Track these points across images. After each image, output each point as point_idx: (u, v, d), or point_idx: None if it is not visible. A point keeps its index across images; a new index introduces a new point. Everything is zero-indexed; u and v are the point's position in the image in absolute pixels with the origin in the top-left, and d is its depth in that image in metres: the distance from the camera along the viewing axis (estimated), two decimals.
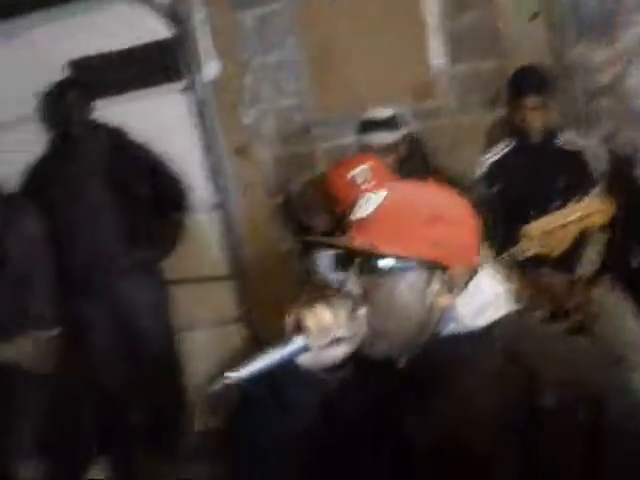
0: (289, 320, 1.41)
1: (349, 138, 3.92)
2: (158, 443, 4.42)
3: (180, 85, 4.41)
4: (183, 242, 4.33)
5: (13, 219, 2.56)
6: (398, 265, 1.39)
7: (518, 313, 1.46)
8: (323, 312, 1.39)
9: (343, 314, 1.39)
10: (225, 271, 4.57)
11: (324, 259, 2.76)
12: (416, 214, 1.40)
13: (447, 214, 1.42)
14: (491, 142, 3.88)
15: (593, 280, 3.63)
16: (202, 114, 4.41)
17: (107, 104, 4.35)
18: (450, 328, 1.42)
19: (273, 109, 4.46)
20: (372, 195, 1.46)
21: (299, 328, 1.39)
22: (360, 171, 2.80)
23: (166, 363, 4.38)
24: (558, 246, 2.55)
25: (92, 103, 4.24)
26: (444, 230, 1.40)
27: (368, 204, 1.44)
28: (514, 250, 2.57)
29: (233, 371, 1.36)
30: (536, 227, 2.58)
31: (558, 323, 3.72)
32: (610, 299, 3.62)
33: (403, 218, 1.40)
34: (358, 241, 1.40)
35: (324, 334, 1.38)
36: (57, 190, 4.16)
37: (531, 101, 3.56)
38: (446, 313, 1.42)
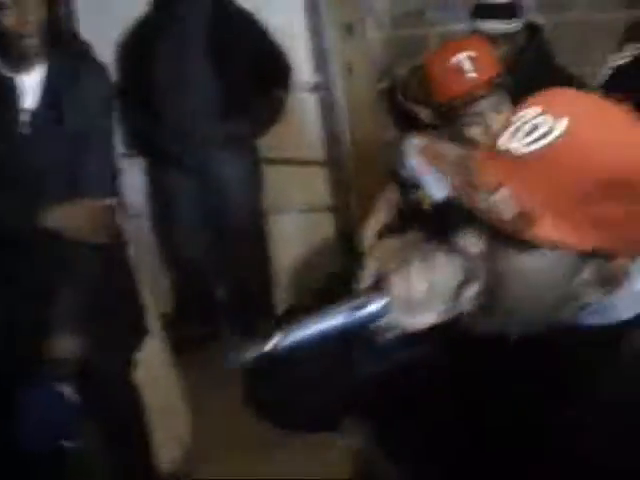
0: (368, 271, 1.06)
1: (466, 24, 3.58)
2: (241, 322, 4.38)
3: None
4: (281, 121, 4.12)
5: (77, 74, 2.40)
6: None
7: None
8: (418, 280, 1.01)
9: (446, 285, 1.02)
10: (322, 156, 4.35)
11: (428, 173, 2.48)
12: (594, 171, 0.94)
13: (632, 182, 0.95)
14: (625, 45, 3.48)
15: None
16: None
17: None
18: (591, 320, 1.05)
19: None
20: (544, 118, 0.97)
21: (379, 287, 1.03)
22: (466, 57, 2.47)
23: (253, 242, 4.27)
24: None
25: None
26: (622, 206, 0.95)
27: (533, 132, 0.97)
28: None
29: (283, 332, 1.02)
30: None
31: None
32: None
33: (577, 174, 0.94)
34: (503, 198, 0.95)
35: (413, 306, 1.02)
36: (155, 52, 4.01)
37: None
38: (592, 307, 1.04)
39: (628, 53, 3.35)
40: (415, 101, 3.12)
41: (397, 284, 1.02)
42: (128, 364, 2.73)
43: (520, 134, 0.98)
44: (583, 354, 1.05)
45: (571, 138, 0.95)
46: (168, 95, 4.02)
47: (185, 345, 3.98)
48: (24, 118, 2.38)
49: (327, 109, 4.29)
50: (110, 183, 2.56)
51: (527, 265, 1.00)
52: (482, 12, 3.23)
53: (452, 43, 2.60)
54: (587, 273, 1.01)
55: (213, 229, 4.29)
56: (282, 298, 4.38)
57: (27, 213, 2.38)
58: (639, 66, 3.30)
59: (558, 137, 0.95)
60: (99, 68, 2.58)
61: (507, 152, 0.98)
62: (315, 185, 4.32)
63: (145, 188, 4.37)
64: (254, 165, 4.19)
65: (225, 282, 4.42)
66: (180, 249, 4.35)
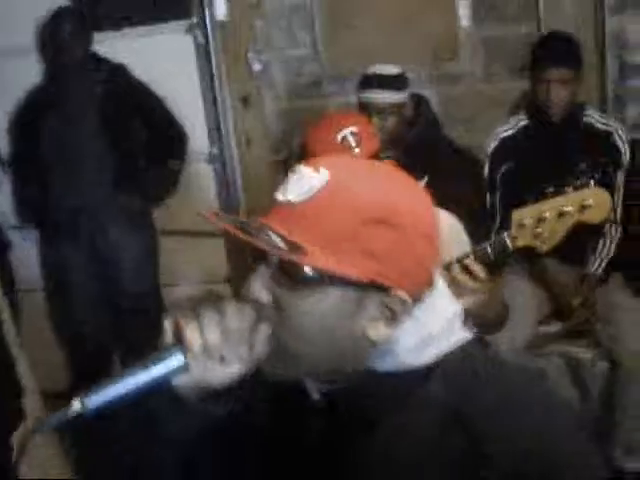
0: (167, 326, 1.10)
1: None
2: None
3: (186, 24, 4.10)
4: (177, 192, 4.08)
5: None
6: (325, 277, 1.05)
7: (470, 344, 1.14)
8: (211, 324, 1.06)
9: (240, 328, 1.06)
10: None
11: None
12: (357, 211, 1.06)
13: (396, 216, 1.07)
14: (514, 115, 3.56)
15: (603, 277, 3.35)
16: (207, 57, 4.10)
17: (107, 38, 4.08)
18: (385, 364, 1.11)
19: (283, 58, 4.15)
20: (309, 173, 1.09)
21: (179, 339, 1.07)
22: (349, 132, 2.47)
23: (149, 315, 4.17)
24: (550, 239, 2.21)
25: (91, 35, 3.98)
26: (389, 238, 1.06)
27: (301, 185, 1.09)
28: (498, 239, 2.23)
29: (85, 396, 1.03)
30: (529, 213, 2.23)
31: (561, 322, 3.46)
32: (621, 298, 3.33)
33: (342, 214, 1.06)
34: (278, 240, 1.05)
35: (210, 353, 1.07)
36: (48, 124, 3.95)
37: (557, 73, 3.23)
38: (381, 346, 1.10)
39: (514, 123, 3.43)
40: None
41: (191, 329, 1.06)
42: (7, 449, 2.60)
43: (290, 185, 1.10)
44: (376, 400, 1.12)
45: (333, 186, 1.08)
46: (59, 166, 3.95)
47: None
48: None
49: (223, 180, 4.25)
50: None
51: (311, 306, 1.07)
52: (370, 83, 3.26)
53: (333, 119, 2.63)
54: (371, 306, 1.08)
55: (108, 302, 4.19)
56: None
57: None
58: (525, 136, 3.39)
59: (323, 187, 1.07)
60: None
61: (283, 204, 1.09)
62: (212, 257, 4.26)
63: (38, 261, 4.26)
64: (150, 237, 4.12)
65: (121, 356, 4.30)
66: (74, 323, 4.23)
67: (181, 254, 4.22)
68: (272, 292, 1.09)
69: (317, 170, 1.09)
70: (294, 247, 1.04)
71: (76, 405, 1.03)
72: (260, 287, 1.09)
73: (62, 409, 1.03)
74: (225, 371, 1.08)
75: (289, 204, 1.07)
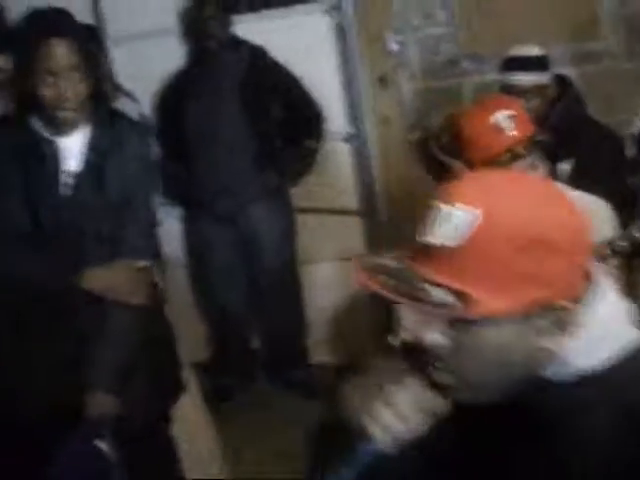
0: (354, 423, 1.19)
1: (498, 74, 3.60)
2: (275, 372, 4.39)
3: (324, 5, 4.17)
4: (315, 171, 4.17)
5: (120, 137, 2.45)
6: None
7: None
8: (385, 413, 1.16)
9: (414, 408, 1.17)
10: (355, 205, 4.38)
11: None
12: (511, 240, 1.04)
13: (548, 233, 1.06)
14: None
15: None
16: (344, 38, 4.17)
17: (247, 20, 4.19)
18: (557, 373, 1.13)
19: (420, 38, 4.16)
20: (456, 211, 1.06)
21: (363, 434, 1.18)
22: (505, 115, 2.48)
23: (287, 292, 4.30)
24: None
25: (230, 18, 4.09)
26: (545, 257, 1.05)
27: (451, 226, 1.06)
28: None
29: None
30: None
31: None
32: None
33: (498, 248, 1.05)
34: (440, 293, 1.05)
35: (393, 434, 1.17)
36: (191, 106, 4.10)
37: None
38: (555, 355, 1.11)
39: None
40: (448, 153, 3.14)
41: (371, 424, 1.16)
42: (165, 420, 2.76)
43: (438, 227, 1.07)
44: (550, 410, 1.13)
45: (487, 223, 1.05)
46: (201, 147, 4.10)
47: (220, 394, 4.01)
48: (66, 180, 2.43)
49: (361, 159, 4.32)
50: (149, 244, 2.59)
51: (488, 341, 1.09)
52: (513, 65, 3.26)
53: (488, 102, 2.62)
54: (542, 324, 1.09)
55: (248, 278, 4.33)
56: (315, 348, 4.40)
57: (66, 274, 2.42)
58: None
59: (475, 226, 1.05)
60: (141, 130, 2.63)
61: (431, 246, 1.07)
62: (349, 234, 4.34)
63: (182, 237, 4.44)
64: (288, 215, 4.23)
65: (259, 331, 4.45)
66: (216, 298, 4.39)
67: (318, 231, 4.32)
68: (444, 334, 1.10)
69: (464, 208, 1.06)
70: (459, 294, 1.04)
71: None
72: (425, 330, 1.11)
73: None
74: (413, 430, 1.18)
75: (440, 247, 1.06)
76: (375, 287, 1.07)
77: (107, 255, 2.44)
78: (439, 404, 1.16)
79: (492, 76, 3.70)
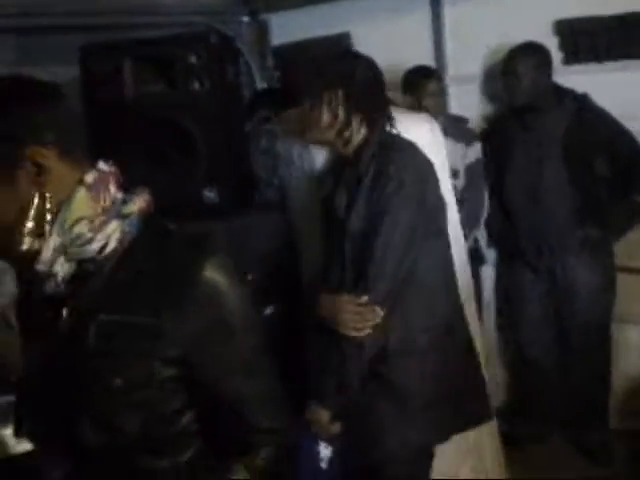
0: None
1: None
2: (570, 430, 4.27)
3: None
4: (637, 227, 4.00)
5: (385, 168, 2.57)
6: None
7: None
8: None
9: None
10: None
11: None
12: None
13: None
14: None
15: None
16: None
17: (580, 70, 4.14)
18: None
19: None
20: None
21: None
22: None
23: (596, 349, 4.15)
24: None
25: (550, 70, 4.02)
26: None
27: None
28: None
29: None
30: None
31: None
32: None
33: None
34: None
35: None
36: (512, 155, 4.12)
37: None
38: None
39: None
40: None
41: None
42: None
43: None
44: None
45: None
46: (523, 198, 4.11)
47: (511, 441, 3.97)
48: None
49: None
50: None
51: None
52: None
53: None
54: None
55: (556, 332, 4.26)
56: (616, 412, 4.22)
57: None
58: None
59: None
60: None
61: None
62: None
63: (494, 279, 4.47)
64: (607, 271, 4.09)
65: (562, 385, 4.34)
66: (522, 346, 4.38)
67: (633, 291, 4.14)
68: None
69: None
70: None
71: None
72: None
73: None
74: None
75: None
76: None
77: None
78: None
79: None
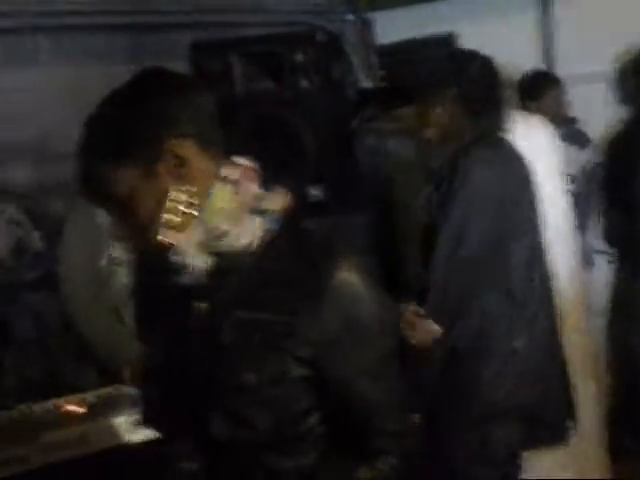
0: None
1: None
2: None
3: None
4: None
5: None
6: None
7: None
8: None
9: None
10: None
11: None
12: None
13: None
14: None
15: None
16: None
17: None
18: None
19: None
20: None
21: None
22: None
23: None
24: None
25: None
26: None
27: None
28: None
29: None
30: None
31: None
32: None
33: None
34: None
35: None
36: None
37: None
38: None
39: None
40: None
41: None
42: None
43: None
44: None
45: None
46: None
47: (617, 453, 3.85)
48: None
49: None
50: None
51: None
52: None
53: None
54: None
55: None
56: None
57: None
58: None
59: None
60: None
61: None
62: None
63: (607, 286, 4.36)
64: None
65: None
66: (629, 353, 4.23)
67: None
68: None
69: None
70: None
71: None
72: None
73: None
74: None
75: None
76: None
77: None
78: None
79: None
